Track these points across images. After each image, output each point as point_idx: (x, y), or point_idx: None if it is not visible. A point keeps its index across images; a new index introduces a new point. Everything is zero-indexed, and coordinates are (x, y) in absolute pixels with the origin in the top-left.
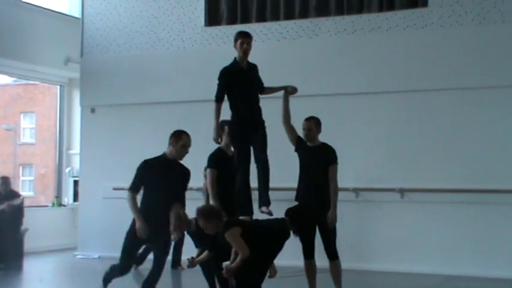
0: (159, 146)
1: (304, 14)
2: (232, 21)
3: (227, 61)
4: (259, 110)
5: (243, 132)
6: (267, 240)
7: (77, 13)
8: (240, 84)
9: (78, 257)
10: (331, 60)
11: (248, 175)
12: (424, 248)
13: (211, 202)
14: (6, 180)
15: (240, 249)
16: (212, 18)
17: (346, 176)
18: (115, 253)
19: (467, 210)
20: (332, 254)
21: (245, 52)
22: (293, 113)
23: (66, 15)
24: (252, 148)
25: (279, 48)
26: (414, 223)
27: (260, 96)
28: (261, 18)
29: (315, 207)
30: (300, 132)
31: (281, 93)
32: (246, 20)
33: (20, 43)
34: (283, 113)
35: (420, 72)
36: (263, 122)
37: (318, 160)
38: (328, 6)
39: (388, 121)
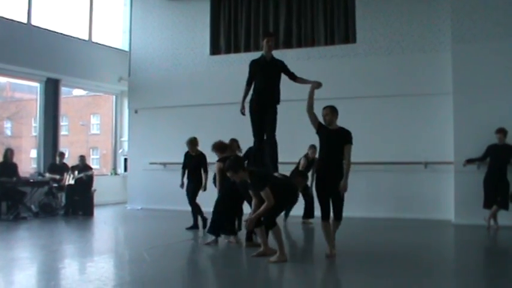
0: (179, 134)
1: (275, 47)
2: (228, 51)
3: (226, 78)
4: (274, 94)
5: (259, 108)
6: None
7: (126, 48)
8: (262, 72)
9: (127, 208)
10: None
11: (262, 140)
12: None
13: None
14: (83, 158)
15: (268, 199)
16: (214, 50)
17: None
18: (152, 206)
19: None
20: (338, 215)
21: (270, 47)
22: None
23: (119, 49)
24: (265, 125)
25: None
26: None
27: (296, 83)
28: (247, 49)
29: (332, 178)
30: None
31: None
32: (237, 50)
33: (90, 68)
34: (308, 102)
35: (352, 85)
36: (275, 106)
37: (336, 140)
38: (291, 41)
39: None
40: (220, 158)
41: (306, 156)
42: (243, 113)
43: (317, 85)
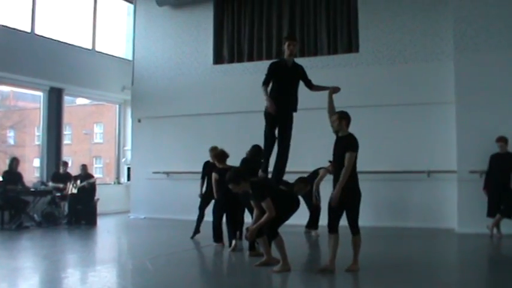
0: (182, 143)
1: (278, 55)
2: (231, 60)
3: (229, 88)
4: (293, 102)
5: (274, 118)
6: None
7: (130, 57)
8: (281, 76)
9: (130, 217)
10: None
11: (270, 155)
12: None
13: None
14: (85, 166)
15: (269, 210)
16: (218, 59)
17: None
18: (156, 215)
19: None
20: (353, 229)
21: (291, 52)
22: None
23: (123, 58)
24: (278, 133)
25: (261, 79)
26: None
27: (312, 91)
28: (250, 59)
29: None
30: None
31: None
32: (240, 59)
33: (93, 77)
34: (328, 109)
35: (354, 94)
36: (292, 114)
37: (340, 148)
38: None
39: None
40: (216, 170)
41: (327, 168)
42: (274, 110)
43: (333, 90)
